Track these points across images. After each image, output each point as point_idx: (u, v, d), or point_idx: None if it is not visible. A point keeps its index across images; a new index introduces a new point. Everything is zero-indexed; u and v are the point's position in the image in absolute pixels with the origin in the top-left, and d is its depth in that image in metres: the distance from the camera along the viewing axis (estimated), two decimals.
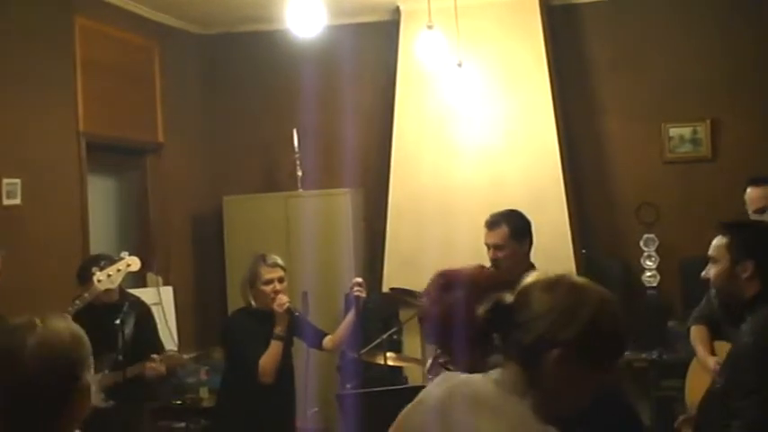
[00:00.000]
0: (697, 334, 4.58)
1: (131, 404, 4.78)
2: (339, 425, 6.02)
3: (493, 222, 4.66)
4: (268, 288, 5.07)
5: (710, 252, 3.18)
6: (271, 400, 5.07)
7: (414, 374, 6.70)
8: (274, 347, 5.02)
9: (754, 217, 4.79)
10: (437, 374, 4.27)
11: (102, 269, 4.64)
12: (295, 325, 5.18)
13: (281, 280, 5.12)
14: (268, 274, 5.09)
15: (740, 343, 3.02)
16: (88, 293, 4.58)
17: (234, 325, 5.24)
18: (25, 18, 6.18)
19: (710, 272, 3.18)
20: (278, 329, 5.04)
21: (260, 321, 5.08)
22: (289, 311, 5.08)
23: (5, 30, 5.98)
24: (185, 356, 5.53)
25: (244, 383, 5.06)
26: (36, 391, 2.02)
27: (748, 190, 4.91)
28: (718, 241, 3.16)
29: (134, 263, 4.77)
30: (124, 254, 4.81)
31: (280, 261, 5.17)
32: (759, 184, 4.89)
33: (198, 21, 8.19)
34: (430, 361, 4.49)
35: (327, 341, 5.32)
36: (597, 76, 7.78)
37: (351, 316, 5.32)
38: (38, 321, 2.06)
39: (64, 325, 2.12)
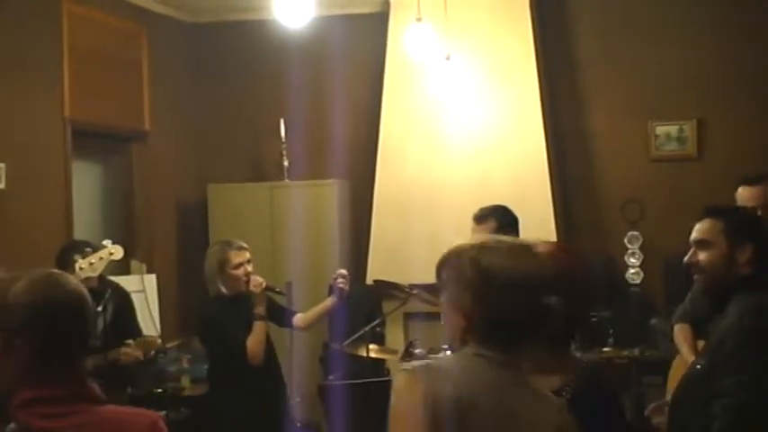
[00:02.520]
0: (681, 332, 4.59)
1: (112, 390, 4.76)
2: (322, 415, 6.03)
3: (481, 216, 4.66)
4: (239, 272, 5.09)
5: (702, 236, 3.14)
6: (263, 381, 5.08)
7: (396, 367, 6.70)
8: (258, 328, 5.04)
9: None
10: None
11: (84, 257, 4.63)
12: (268, 307, 5.18)
13: (249, 262, 5.13)
14: (237, 258, 5.11)
15: (725, 323, 3.02)
16: None
17: (212, 316, 5.21)
18: (13, 3, 6.14)
19: (700, 256, 3.14)
20: (259, 310, 5.06)
21: (235, 307, 5.10)
22: (267, 290, 5.09)
23: None
24: (160, 342, 5.51)
25: (234, 371, 5.06)
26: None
27: (740, 189, 4.86)
28: (709, 225, 3.13)
29: (117, 251, 4.75)
30: (107, 242, 4.80)
31: (244, 244, 5.20)
32: (752, 183, 4.83)
33: (186, 8, 8.16)
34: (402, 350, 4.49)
35: (298, 319, 5.33)
36: (585, 72, 7.79)
37: (329, 301, 5.34)
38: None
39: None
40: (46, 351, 2.17)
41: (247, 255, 5.15)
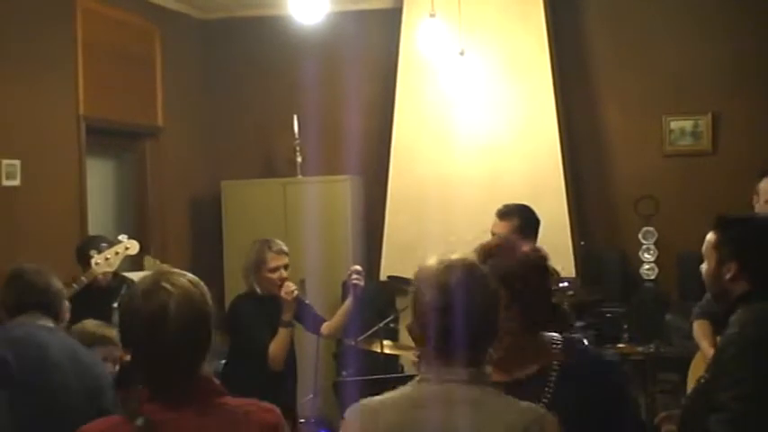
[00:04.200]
0: (700, 329, 4.56)
1: (124, 388, 4.75)
2: (335, 412, 6.02)
3: (505, 213, 4.65)
4: (275, 275, 5.04)
5: (703, 247, 3.14)
6: (276, 385, 5.06)
7: (410, 363, 6.70)
8: (283, 334, 5.00)
9: (763, 208, 4.73)
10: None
11: (100, 252, 4.63)
12: (298, 310, 5.16)
13: (286, 267, 5.10)
14: (274, 261, 5.06)
15: (727, 334, 2.99)
16: (85, 276, 4.58)
17: (240, 311, 5.18)
18: (27, 0, 6.15)
19: (702, 266, 3.14)
20: (286, 316, 5.01)
21: (265, 307, 5.06)
22: (297, 299, 5.07)
23: (7, 11, 5.96)
24: None
25: (250, 369, 5.02)
26: (180, 349, 2.24)
27: (763, 181, 4.84)
28: (709, 237, 3.11)
29: (132, 246, 4.76)
30: (123, 237, 4.80)
31: (285, 248, 5.15)
32: None
33: (199, 5, 8.16)
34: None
35: (325, 327, 5.31)
36: (599, 67, 7.76)
37: (348, 303, 5.31)
38: (168, 285, 2.27)
39: (188, 283, 2.33)
40: None
41: (285, 259, 5.10)
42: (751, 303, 2.96)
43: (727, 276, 3.00)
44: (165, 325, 2.23)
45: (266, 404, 2.40)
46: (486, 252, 2.48)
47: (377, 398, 2.25)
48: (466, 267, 2.21)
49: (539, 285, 2.51)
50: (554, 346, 2.52)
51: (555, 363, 2.48)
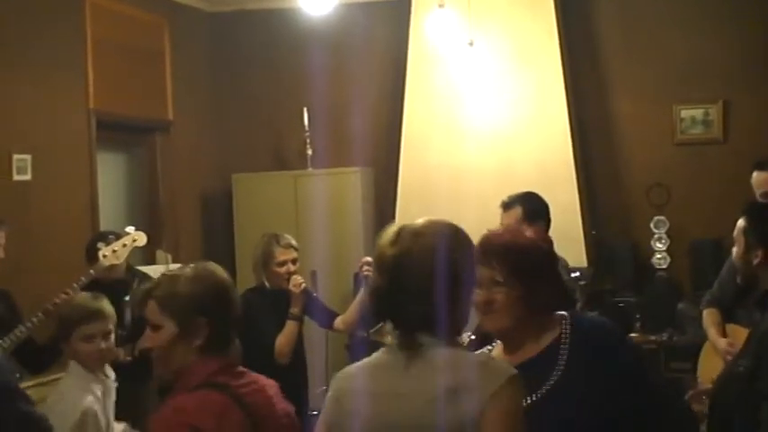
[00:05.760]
0: (709, 317, 4.56)
1: (137, 382, 4.76)
2: None
3: (508, 204, 4.64)
4: (282, 269, 5.04)
5: (734, 232, 3.19)
6: (284, 380, 5.04)
7: None
8: (290, 328, 5.00)
9: (763, 201, 4.75)
10: None
11: (107, 245, 4.63)
12: (307, 305, 5.16)
13: (294, 261, 5.09)
14: (282, 255, 5.06)
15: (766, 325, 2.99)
16: (94, 269, 4.58)
17: (247, 305, 5.14)
18: None
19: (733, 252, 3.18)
20: (294, 310, 5.01)
21: (273, 302, 5.05)
22: (305, 292, 5.07)
23: (17, 8, 5.97)
24: None
25: (258, 364, 5.00)
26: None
27: (754, 174, 4.87)
28: (739, 223, 3.17)
29: (140, 238, 4.76)
30: (130, 229, 4.79)
31: (293, 242, 5.14)
32: (765, 168, 4.84)
33: None
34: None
35: (339, 322, 5.30)
36: (609, 56, 7.73)
37: (361, 296, 5.30)
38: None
39: None
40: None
41: (294, 254, 5.09)
42: None
43: (755, 262, 3.05)
44: (234, 293, 2.69)
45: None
46: (488, 242, 2.49)
47: (353, 365, 2.45)
48: (409, 235, 2.22)
49: (547, 271, 2.53)
50: (563, 322, 2.53)
51: (563, 336, 2.49)
